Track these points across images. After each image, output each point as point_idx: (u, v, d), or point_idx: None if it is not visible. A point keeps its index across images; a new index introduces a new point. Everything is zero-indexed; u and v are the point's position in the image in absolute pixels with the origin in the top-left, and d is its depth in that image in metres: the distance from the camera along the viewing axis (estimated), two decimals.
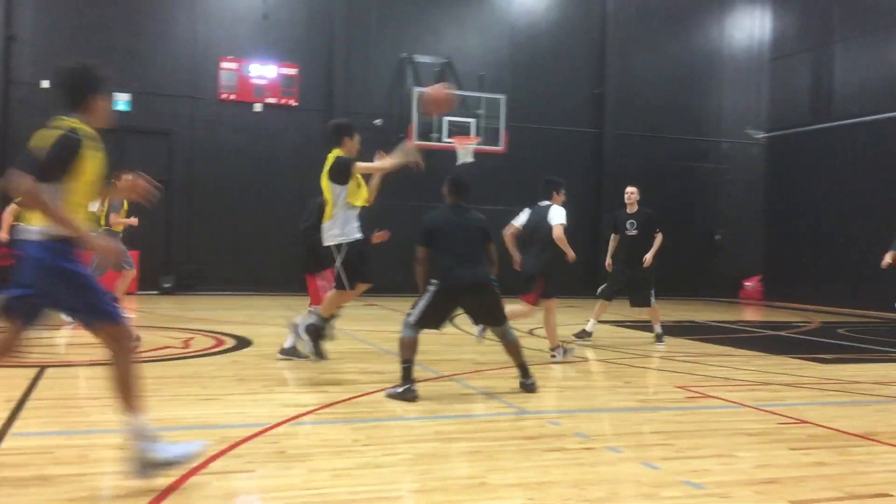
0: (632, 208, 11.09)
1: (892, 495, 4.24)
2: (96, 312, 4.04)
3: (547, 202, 9.21)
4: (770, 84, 21.27)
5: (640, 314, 11.81)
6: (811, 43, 20.02)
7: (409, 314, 6.86)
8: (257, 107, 18.17)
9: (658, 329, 10.93)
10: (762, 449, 5.18)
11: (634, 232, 10.93)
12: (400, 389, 6.45)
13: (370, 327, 12.00)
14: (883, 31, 17.85)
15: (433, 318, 6.91)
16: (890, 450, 5.22)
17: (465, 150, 17.48)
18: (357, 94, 18.82)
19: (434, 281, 6.97)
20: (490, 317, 7.10)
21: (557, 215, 8.99)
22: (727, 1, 21.62)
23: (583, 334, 10.72)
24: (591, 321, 10.90)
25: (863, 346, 11.44)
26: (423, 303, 6.88)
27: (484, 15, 19.82)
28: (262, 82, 18.13)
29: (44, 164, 3.92)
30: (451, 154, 17.62)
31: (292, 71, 18.30)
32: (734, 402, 6.70)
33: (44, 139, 4.02)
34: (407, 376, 6.52)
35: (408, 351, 6.66)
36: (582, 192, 20.33)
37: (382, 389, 6.77)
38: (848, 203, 17.92)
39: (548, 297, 9.00)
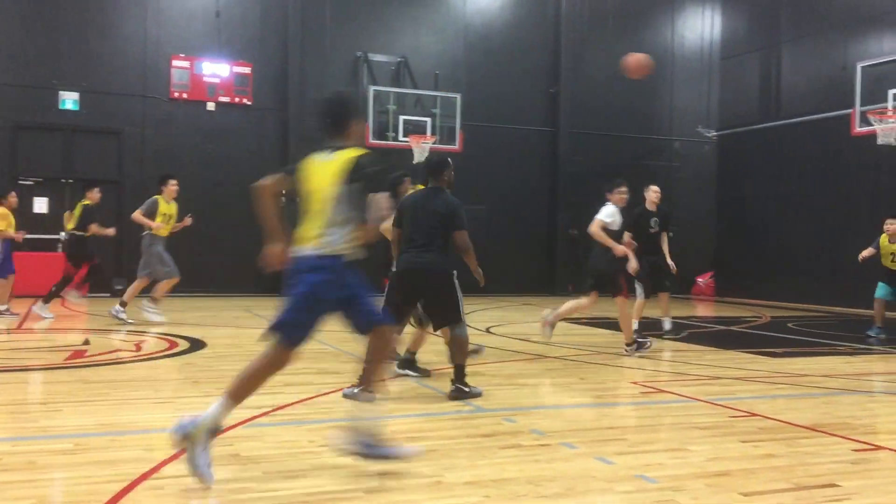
0: (654, 206, 11.37)
1: (839, 485, 4.34)
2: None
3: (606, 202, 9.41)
4: (720, 83, 21.64)
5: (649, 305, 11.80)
6: (759, 43, 20.41)
7: None
8: (210, 106, 17.94)
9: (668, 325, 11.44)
10: (714, 442, 5.27)
11: (656, 229, 11.26)
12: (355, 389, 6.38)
13: (328, 327, 11.89)
14: (828, 32, 18.27)
15: (391, 308, 6.53)
16: (837, 441, 5.35)
17: (422, 148, 17.47)
18: (312, 93, 18.67)
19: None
20: (436, 312, 6.72)
21: (601, 212, 9.28)
22: (678, 2, 21.92)
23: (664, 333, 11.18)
24: (667, 319, 11.44)
25: (811, 339, 11.69)
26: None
27: (439, 14, 19.84)
28: (216, 81, 17.90)
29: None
30: (407, 153, 17.60)
31: (246, 69, 18.10)
32: (687, 397, 6.80)
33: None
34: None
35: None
36: (538, 191, 20.47)
37: (339, 390, 6.73)
38: (796, 200, 18.31)
39: (619, 292, 9.17)
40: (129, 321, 11.41)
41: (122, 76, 17.41)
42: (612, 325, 12.91)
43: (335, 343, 9.93)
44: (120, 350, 9.09)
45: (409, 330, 7.84)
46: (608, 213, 9.29)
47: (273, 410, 5.93)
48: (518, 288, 18.12)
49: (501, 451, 4.93)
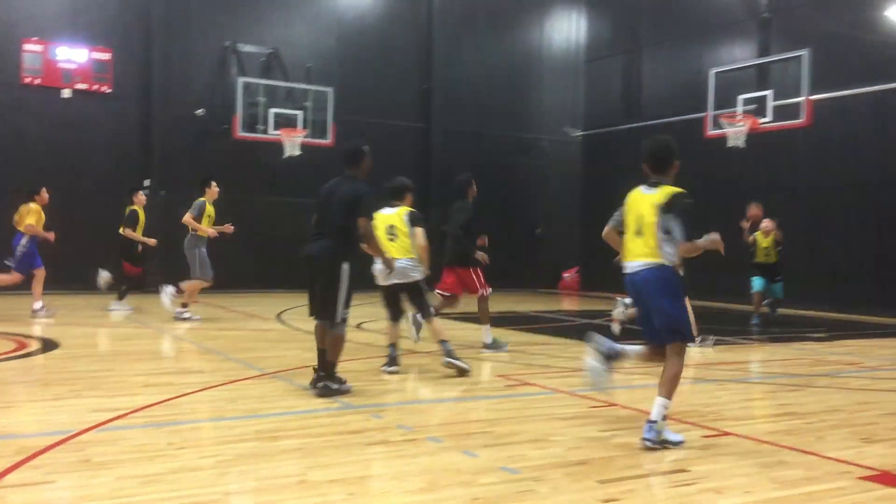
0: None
1: (688, 470, 4.57)
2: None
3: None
4: (586, 85, 22.38)
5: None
6: (622, 47, 21.24)
7: None
8: (66, 93, 16.97)
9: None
10: (574, 432, 5.44)
11: None
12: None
13: (190, 325, 11.54)
14: (684, 39, 19.22)
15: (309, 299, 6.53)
16: (688, 428, 5.63)
17: (293, 142, 17.18)
18: (177, 83, 18.02)
19: None
20: (315, 300, 6.52)
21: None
22: (546, 4, 22.51)
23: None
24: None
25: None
26: None
27: (311, 6, 19.55)
28: (72, 66, 16.95)
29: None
30: (277, 146, 17.27)
31: (105, 55, 17.23)
32: (551, 389, 7.00)
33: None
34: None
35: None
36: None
37: (203, 390, 6.53)
38: None
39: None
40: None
41: None
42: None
43: (199, 341, 9.64)
44: None
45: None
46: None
47: (130, 413, 5.68)
48: None
49: (368, 447, 4.92)
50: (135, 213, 13.66)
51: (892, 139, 14.69)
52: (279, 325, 11.78)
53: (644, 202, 5.57)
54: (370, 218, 6.60)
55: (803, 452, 5.00)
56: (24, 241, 12.13)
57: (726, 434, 5.48)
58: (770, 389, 7.46)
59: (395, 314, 7.91)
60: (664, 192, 5.52)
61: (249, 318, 12.64)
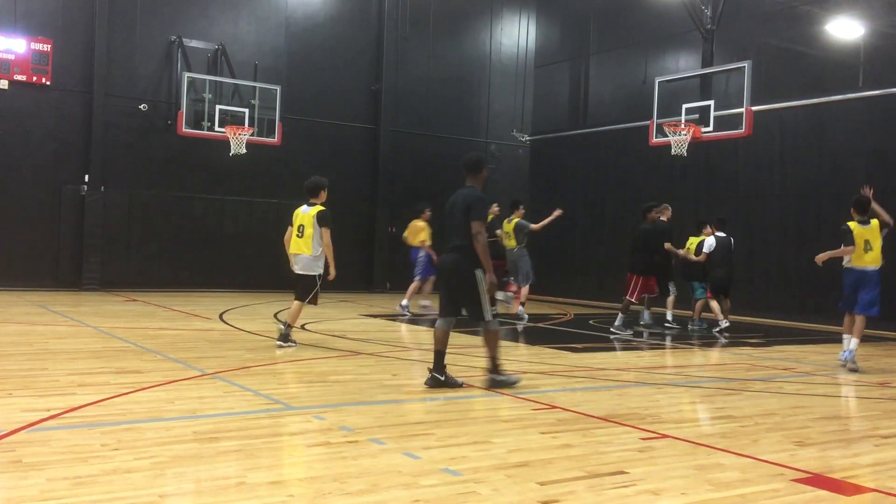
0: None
1: (627, 472, 4.63)
2: None
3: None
4: (534, 90, 22.56)
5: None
6: (570, 54, 21.48)
7: None
8: (2, 84, 16.49)
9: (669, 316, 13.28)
10: (516, 434, 5.47)
11: None
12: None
13: (129, 324, 11.30)
14: (630, 48, 19.53)
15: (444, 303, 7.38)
16: (627, 430, 5.71)
17: (239, 140, 16.95)
18: (120, 76, 17.64)
19: None
20: (456, 305, 7.26)
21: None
22: (496, 9, 22.64)
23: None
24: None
25: (609, 335, 12.43)
26: None
27: (260, 2, 19.32)
28: (10, 57, 16.46)
29: None
30: (223, 144, 17.02)
31: (45, 46, 16.77)
32: (493, 391, 7.02)
33: None
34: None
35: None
36: (358, 188, 20.43)
37: (140, 390, 6.40)
38: (598, 203, 19.42)
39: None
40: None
41: None
42: (427, 321, 13.14)
43: (137, 340, 9.44)
44: None
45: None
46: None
47: (63, 413, 5.53)
48: (335, 285, 17.92)
49: (309, 449, 4.87)
50: None
51: (828, 150, 15.11)
52: (221, 325, 11.60)
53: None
54: (484, 221, 6.96)
55: (738, 455, 5.11)
56: None
57: (664, 436, 5.56)
58: (707, 393, 7.61)
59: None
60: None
61: (191, 318, 12.43)
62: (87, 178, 17.13)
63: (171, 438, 4.98)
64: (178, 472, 4.27)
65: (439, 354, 7.09)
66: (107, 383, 6.70)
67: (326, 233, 9.13)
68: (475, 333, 11.73)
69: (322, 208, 9.27)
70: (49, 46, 16.78)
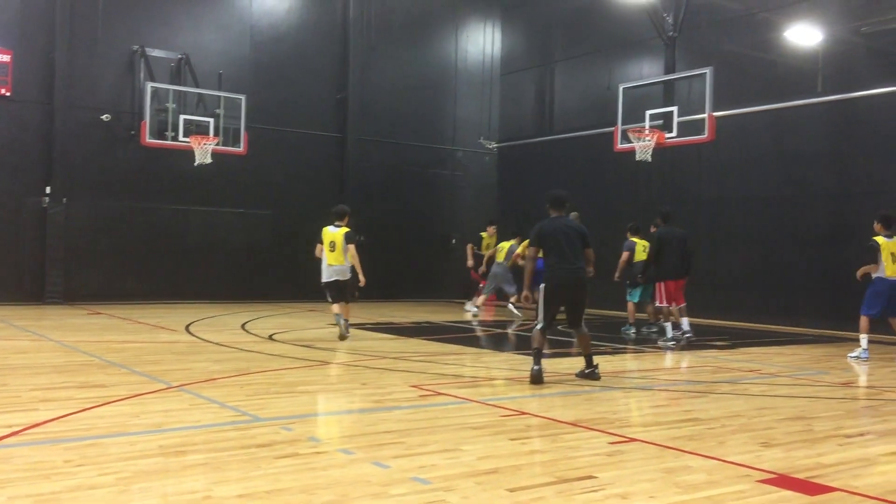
0: None
1: (596, 477, 4.65)
2: None
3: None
4: (500, 97, 22.66)
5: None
6: (536, 61, 21.61)
7: None
8: None
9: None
10: (485, 441, 5.47)
11: None
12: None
13: (93, 337, 11.13)
14: (595, 54, 19.69)
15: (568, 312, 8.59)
16: (595, 435, 5.74)
17: (203, 150, 16.79)
18: (81, 87, 17.40)
19: None
20: (577, 313, 8.51)
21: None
22: (461, 16, 22.72)
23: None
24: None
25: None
26: None
27: (223, 12, 19.20)
28: None
29: None
30: (187, 154, 16.86)
31: (5, 57, 16.50)
32: (462, 398, 7.03)
33: None
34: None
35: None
36: (325, 197, 20.32)
37: (104, 404, 6.30)
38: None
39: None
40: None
41: None
42: (396, 330, 13.13)
43: (101, 354, 9.31)
44: None
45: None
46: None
47: (25, 429, 5.43)
48: (303, 295, 17.81)
49: (277, 460, 4.83)
50: None
51: (788, 155, 15.36)
52: (188, 337, 11.47)
53: None
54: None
55: (705, 457, 5.16)
56: None
57: (632, 440, 5.60)
58: (674, 396, 7.67)
59: None
60: None
61: (156, 330, 12.28)
62: (48, 189, 16.87)
63: (136, 453, 4.91)
64: (144, 488, 4.21)
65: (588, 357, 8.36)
66: (70, 398, 6.59)
67: (352, 247, 11.27)
68: (444, 341, 11.75)
69: (348, 229, 11.46)
70: (9, 57, 16.51)
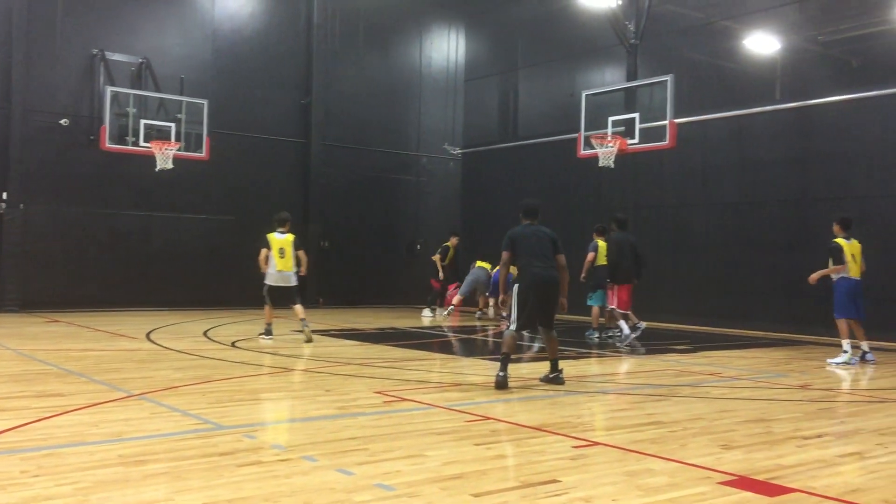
0: None
1: (560, 480, 4.67)
2: None
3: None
4: (464, 103, 22.74)
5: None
6: (499, 68, 21.72)
7: None
8: None
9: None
10: (450, 447, 5.47)
11: None
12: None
13: (51, 346, 10.93)
14: (558, 61, 19.85)
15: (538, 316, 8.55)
16: (560, 439, 5.77)
17: (165, 155, 16.59)
18: (39, 91, 17.10)
19: None
20: (547, 315, 8.46)
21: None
22: (425, 22, 22.76)
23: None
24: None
25: (542, 345, 12.54)
26: None
27: (185, 16, 19.01)
28: None
29: None
30: (148, 159, 16.64)
31: None
32: (427, 404, 7.02)
33: None
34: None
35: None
36: (289, 203, 20.18)
37: (62, 414, 6.18)
38: None
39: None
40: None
41: None
42: (361, 336, 13.09)
43: (59, 363, 9.15)
44: None
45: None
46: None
47: None
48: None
49: (240, 468, 4.78)
50: None
51: (747, 161, 15.62)
52: (149, 345, 11.32)
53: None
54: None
55: (667, 460, 5.21)
56: None
57: (596, 444, 5.64)
58: (637, 400, 7.74)
59: None
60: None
61: (117, 338, 12.09)
62: (4, 195, 16.54)
63: (96, 463, 4.83)
64: (103, 498, 4.14)
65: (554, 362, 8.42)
66: (27, 408, 6.46)
67: (302, 252, 12.06)
68: (409, 346, 11.73)
69: (294, 235, 12.00)
70: None
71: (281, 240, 11.82)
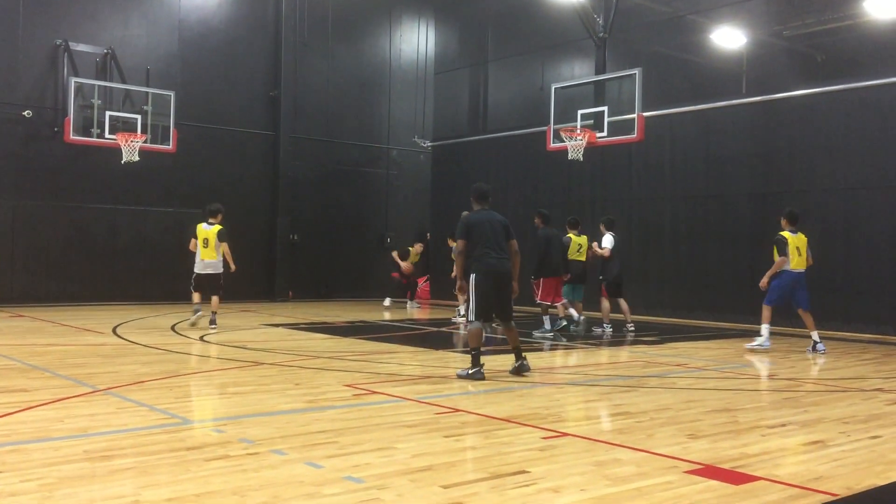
0: None
1: (528, 471, 4.70)
2: None
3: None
4: (434, 96, 22.70)
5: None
6: (469, 61, 21.72)
7: None
8: None
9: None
10: (419, 439, 5.48)
11: None
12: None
13: (14, 341, 10.76)
14: (527, 55, 19.90)
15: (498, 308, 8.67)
16: (528, 430, 5.80)
17: (131, 147, 16.38)
18: (1, 82, 16.80)
19: None
20: (508, 307, 8.60)
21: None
22: (395, 15, 22.68)
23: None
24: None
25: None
26: None
27: (151, 5, 18.75)
28: None
29: None
30: (114, 151, 16.42)
31: None
32: (397, 397, 7.02)
33: None
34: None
35: None
36: (257, 196, 20.08)
37: (26, 409, 6.09)
38: (499, 207, 19.52)
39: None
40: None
41: None
42: (330, 329, 13.06)
43: (23, 358, 9.01)
44: None
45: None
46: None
47: None
48: (235, 294, 17.52)
49: (207, 463, 4.74)
50: None
51: (714, 155, 15.77)
52: (115, 339, 11.19)
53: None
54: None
55: (635, 450, 5.26)
56: None
57: (564, 435, 5.68)
58: (605, 391, 7.81)
59: None
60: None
61: (81, 333, 11.93)
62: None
63: (60, 458, 4.77)
64: (68, 493, 4.09)
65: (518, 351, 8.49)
66: None
67: (225, 245, 12.41)
68: (379, 339, 11.72)
69: (221, 227, 12.44)
70: None
71: (206, 230, 12.39)
